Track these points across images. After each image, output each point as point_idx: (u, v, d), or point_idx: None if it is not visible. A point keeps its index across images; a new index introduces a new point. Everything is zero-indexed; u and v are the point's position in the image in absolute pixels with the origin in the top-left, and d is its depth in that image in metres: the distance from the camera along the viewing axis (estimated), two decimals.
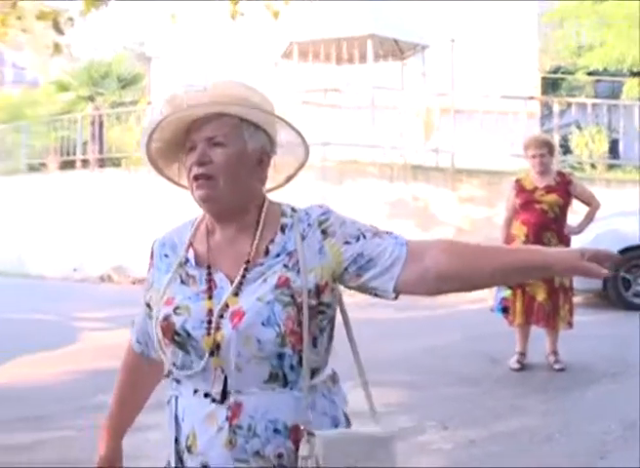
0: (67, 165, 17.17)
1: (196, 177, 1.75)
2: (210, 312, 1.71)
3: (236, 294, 1.71)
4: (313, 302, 1.71)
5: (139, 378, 2.03)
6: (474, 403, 5.85)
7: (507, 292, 6.63)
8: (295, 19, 12.44)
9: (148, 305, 1.87)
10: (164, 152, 1.86)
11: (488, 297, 7.88)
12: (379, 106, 15.17)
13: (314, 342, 1.73)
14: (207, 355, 1.68)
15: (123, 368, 2.05)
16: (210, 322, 1.70)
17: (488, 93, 15.24)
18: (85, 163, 16.95)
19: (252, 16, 8.65)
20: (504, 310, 6.72)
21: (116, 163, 16.19)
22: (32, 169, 18.50)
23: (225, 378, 1.68)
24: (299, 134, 1.84)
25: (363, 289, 1.77)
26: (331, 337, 1.82)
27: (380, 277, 1.72)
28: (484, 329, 8.09)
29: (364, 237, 1.75)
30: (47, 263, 15.64)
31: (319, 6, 12.33)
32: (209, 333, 1.69)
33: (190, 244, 1.84)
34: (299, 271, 1.71)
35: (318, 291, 1.72)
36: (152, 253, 1.91)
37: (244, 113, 1.77)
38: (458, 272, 1.70)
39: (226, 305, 1.70)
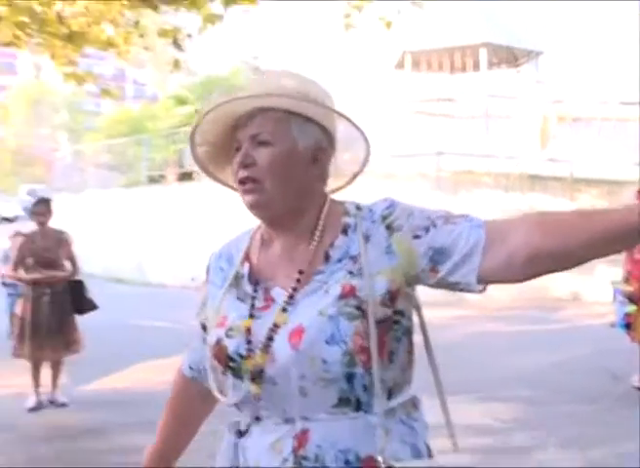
0: (186, 176, 17.68)
1: (241, 182, 1.56)
2: (248, 331, 1.51)
3: (285, 310, 1.50)
4: (387, 312, 1.48)
5: (189, 408, 1.84)
6: (594, 421, 5.64)
7: (631, 308, 6.40)
8: (407, 29, 12.41)
9: (204, 327, 1.69)
10: (213, 156, 1.68)
11: (610, 312, 7.61)
12: (493, 115, 14.95)
13: (390, 358, 1.49)
14: (249, 380, 1.49)
15: (173, 396, 1.85)
16: (249, 342, 1.50)
17: (606, 99, 14.74)
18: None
19: (364, 27, 8.68)
20: (627, 326, 6.49)
21: None
22: (152, 180, 19.16)
23: (289, 404, 1.48)
24: (356, 126, 1.62)
25: (444, 285, 1.51)
26: (410, 352, 1.56)
27: (460, 268, 1.47)
28: (606, 344, 7.80)
29: (434, 226, 1.50)
30: (166, 272, 16.13)
31: (432, 15, 12.26)
32: (249, 356, 1.49)
33: (246, 255, 1.65)
34: (363, 276, 1.49)
35: (391, 297, 1.49)
36: (208, 267, 1.74)
37: (290, 106, 1.55)
38: (550, 251, 1.41)
39: (275, 325, 1.49)
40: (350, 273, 1.50)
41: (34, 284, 6.44)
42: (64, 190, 20.60)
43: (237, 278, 1.62)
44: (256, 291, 1.57)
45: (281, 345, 1.46)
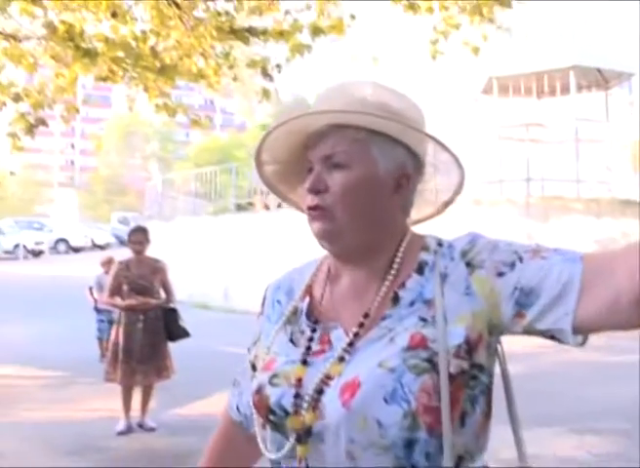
0: (274, 204, 17.86)
1: (310, 208, 1.36)
2: (298, 383, 1.29)
3: (342, 360, 1.28)
4: (463, 365, 1.24)
5: (233, 453, 1.60)
6: None
7: None
8: (494, 54, 12.32)
9: (253, 366, 1.47)
10: (284, 175, 1.48)
11: None
12: (583, 139, 14.65)
13: (462, 420, 1.24)
14: (294, 439, 1.27)
15: (216, 438, 1.63)
16: (297, 396, 1.27)
17: None
18: None
19: (451, 53, 8.66)
20: None
21: None
22: (240, 208, 19.46)
23: None
24: (449, 150, 1.40)
25: (533, 332, 1.26)
26: (487, 414, 1.30)
27: (550, 313, 1.21)
28: None
29: (520, 260, 1.26)
30: (252, 299, 16.29)
31: (518, 40, 12.14)
32: (297, 412, 1.27)
33: (309, 288, 1.44)
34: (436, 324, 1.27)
35: (469, 347, 1.24)
36: (264, 298, 1.53)
37: (370, 123, 1.33)
38: None
39: (328, 376, 1.27)
40: (423, 320, 1.27)
41: (129, 310, 6.59)
42: (155, 218, 21.13)
43: (294, 314, 1.41)
44: (314, 331, 1.36)
45: (331, 401, 1.24)
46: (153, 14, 7.20)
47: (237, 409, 1.55)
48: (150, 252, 6.95)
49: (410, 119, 1.36)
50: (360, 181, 1.33)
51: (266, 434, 1.33)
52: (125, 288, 6.59)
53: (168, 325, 6.64)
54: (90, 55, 6.91)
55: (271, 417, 1.30)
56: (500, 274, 1.26)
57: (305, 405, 1.25)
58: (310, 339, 1.34)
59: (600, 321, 1.19)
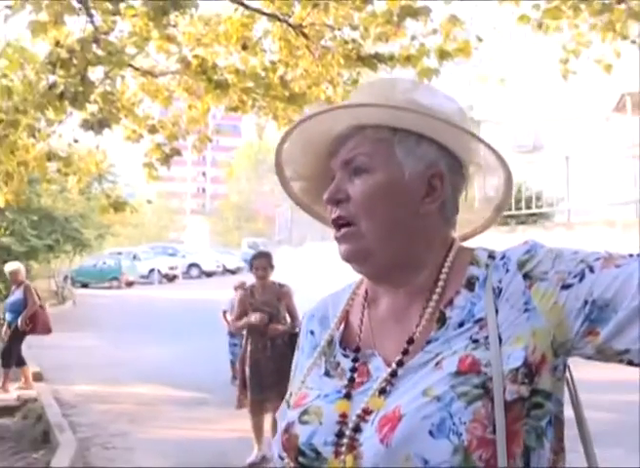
0: None
1: (335, 223, 1.20)
2: (343, 419, 1.11)
3: (383, 392, 1.11)
4: (522, 391, 1.05)
5: None
6: None
7: None
8: (627, 70, 11.91)
9: (288, 403, 1.30)
10: (313, 192, 1.31)
11: None
12: None
13: (526, 457, 1.05)
14: None
15: None
16: (341, 434, 1.10)
17: None
18: None
19: (582, 71, 8.45)
20: None
21: None
22: None
23: None
24: (492, 148, 1.21)
25: (609, 355, 1.06)
26: (557, 450, 1.10)
27: (630, 329, 1.02)
28: None
29: (591, 270, 1.07)
30: None
31: None
32: (337, 453, 1.09)
33: (345, 315, 1.28)
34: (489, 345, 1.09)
35: (530, 371, 1.06)
36: (300, 329, 1.39)
37: (393, 119, 1.17)
38: None
39: (365, 411, 1.11)
40: (474, 342, 1.10)
41: (255, 336, 6.58)
42: (284, 243, 21.50)
43: (330, 344, 1.25)
44: (356, 360, 1.19)
45: (369, 439, 1.07)
46: (282, 44, 7.40)
47: (280, 456, 1.29)
48: (280, 277, 7.01)
49: (441, 114, 1.18)
50: (383, 186, 1.16)
51: None
52: (250, 314, 6.56)
53: (295, 350, 6.60)
54: (221, 86, 7.16)
55: (301, 460, 1.13)
56: (567, 286, 1.08)
57: (344, 445, 1.09)
58: (353, 370, 1.18)
59: None
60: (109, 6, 6.39)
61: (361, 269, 1.22)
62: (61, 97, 6.41)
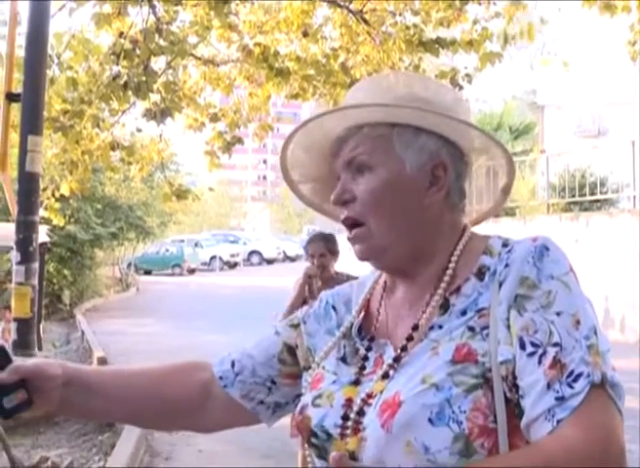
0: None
1: (345, 224, 1.24)
2: (348, 403, 1.14)
3: (386, 376, 1.13)
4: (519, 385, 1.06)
5: (180, 385, 1.36)
6: None
7: None
8: None
9: (277, 333, 1.37)
10: (323, 192, 1.34)
11: None
12: None
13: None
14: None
15: (166, 366, 1.41)
16: (346, 418, 1.13)
17: None
18: None
19: None
20: None
21: (510, 213, 16.24)
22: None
23: None
24: (487, 134, 1.24)
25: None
26: None
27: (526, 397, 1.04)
28: None
29: (540, 356, 1.05)
30: None
31: None
32: (342, 435, 1.12)
33: (366, 303, 1.30)
34: (489, 336, 1.10)
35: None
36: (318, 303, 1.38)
37: (390, 116, 1.19)
38: None
39: (370, 395, 1.13)
40: (470, 329, 1.10)
41: None
42: (344, 231, 21.46)
43: (350, 330, 1.27)
44: (369, 349, 1.21)
45: (371, 422, 1.09)
46: (342, 31, 7.38)
47: (232, 363, 1.35)
48: (345, 265, 6.68)
49: (436, 105, 1.20)
50: (386, 182, 1.18)
51: (312, 458, 1.19)
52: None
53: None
54: (282, 74, 7.18)
55: (314, 440, 1.16)
56: (520, 311, 1.07)
57: (349, 428, 1.11)
58: (365, 358, 1.20)
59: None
60: None
61: (378, 264, 1.25)
62: (125, 87, 6.52)
